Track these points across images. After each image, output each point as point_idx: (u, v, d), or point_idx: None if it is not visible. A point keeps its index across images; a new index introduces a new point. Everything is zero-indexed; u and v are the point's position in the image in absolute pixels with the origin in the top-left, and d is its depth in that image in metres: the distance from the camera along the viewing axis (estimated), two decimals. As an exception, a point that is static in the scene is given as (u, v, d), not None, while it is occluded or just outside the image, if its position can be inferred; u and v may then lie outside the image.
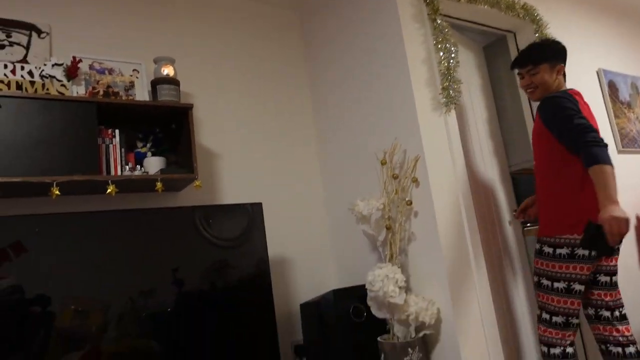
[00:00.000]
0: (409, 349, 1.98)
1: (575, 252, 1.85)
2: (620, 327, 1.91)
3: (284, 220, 2.78)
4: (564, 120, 1.85)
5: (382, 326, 2.23)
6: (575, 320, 1.91)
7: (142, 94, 2.37)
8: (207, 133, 2.65)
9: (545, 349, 1.93)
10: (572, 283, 1.87)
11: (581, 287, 1.88)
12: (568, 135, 1.84)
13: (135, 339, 1.88)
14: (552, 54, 2.01)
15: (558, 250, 1.89)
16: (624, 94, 3.49)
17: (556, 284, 1.89)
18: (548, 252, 1.92)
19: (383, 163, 2.30)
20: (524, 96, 2.90)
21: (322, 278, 2.81)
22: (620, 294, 1.99)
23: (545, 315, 1.94)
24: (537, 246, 1.99)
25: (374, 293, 2.03)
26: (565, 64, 2.06)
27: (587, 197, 1.85)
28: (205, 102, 2.69)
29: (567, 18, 3.29)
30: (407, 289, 2.20)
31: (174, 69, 2.40)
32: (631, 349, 1.88)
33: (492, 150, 2.90)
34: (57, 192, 1.87)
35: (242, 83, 2.85)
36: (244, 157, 2.74)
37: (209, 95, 2.71)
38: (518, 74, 2.11)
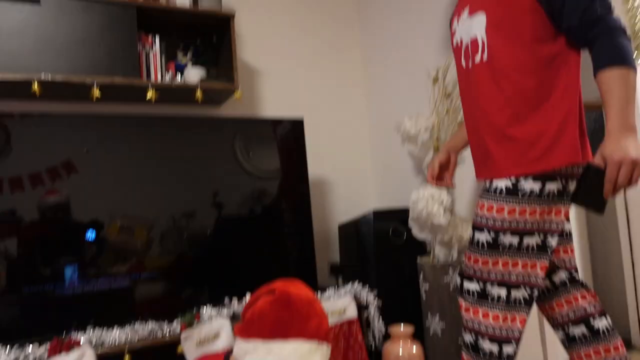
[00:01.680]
0: (450, 270, 1.93)
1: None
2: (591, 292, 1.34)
3: (325, 139, 2.70)
4: None
5: (421, 248, 2.18)
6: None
7: (182, 0, 2.26)
8: (248, 49, 2.54)
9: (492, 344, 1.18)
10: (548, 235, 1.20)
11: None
12: (576, 8, 1.09)
13: (176, 256, 1.91)
14: None
15: (548, 187, 1.16)
16: None
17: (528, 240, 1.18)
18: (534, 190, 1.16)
19: (435, 81, 2.14)
20: None
21: (361, 199, 2.75)
22: None
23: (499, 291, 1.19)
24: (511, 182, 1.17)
25: (417, 213, 1.95)
26: None
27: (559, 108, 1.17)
28: (248, 17, 2.56)
29: None
30: (451, 211, 2.11)
31: (217, -24, 2.27)
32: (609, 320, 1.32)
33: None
34: (98, 94, 1.85)
35: (286, -5, 2.69)
36: (285, 73, 2.63)
37: (251, 10, 2.58)
38: None
